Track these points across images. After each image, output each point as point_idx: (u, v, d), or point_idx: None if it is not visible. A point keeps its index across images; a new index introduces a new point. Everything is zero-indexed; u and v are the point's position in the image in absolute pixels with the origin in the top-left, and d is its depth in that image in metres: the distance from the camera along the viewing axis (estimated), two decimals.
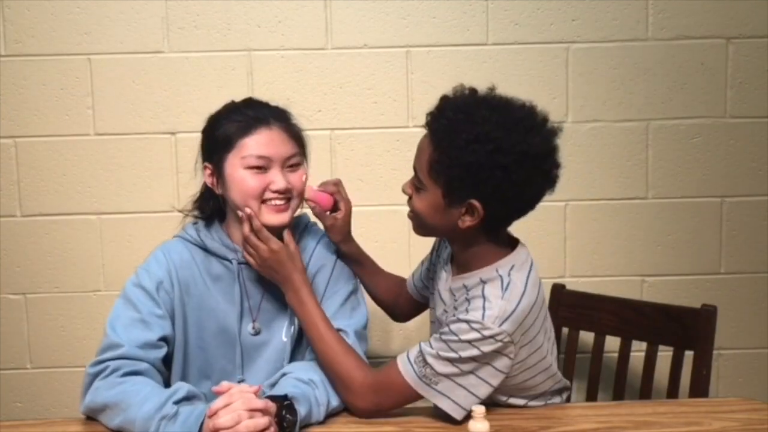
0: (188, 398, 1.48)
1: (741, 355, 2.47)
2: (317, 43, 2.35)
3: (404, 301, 1.95)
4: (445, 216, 1.53)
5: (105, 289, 2.41)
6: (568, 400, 1.77)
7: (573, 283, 2.29)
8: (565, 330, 2.19)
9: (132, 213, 2.39)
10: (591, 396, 2.11)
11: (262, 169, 1.63)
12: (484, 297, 1.48)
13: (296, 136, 1.70)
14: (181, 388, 1.49)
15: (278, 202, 1.64)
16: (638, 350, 2.06)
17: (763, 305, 2.46)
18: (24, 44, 2.33)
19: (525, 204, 1.54)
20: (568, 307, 2.18)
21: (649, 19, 2.36)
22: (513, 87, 2.31)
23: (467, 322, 1.45)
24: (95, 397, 1.52)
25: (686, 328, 1.94)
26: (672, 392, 1.96)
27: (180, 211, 1.81)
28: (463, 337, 1.45)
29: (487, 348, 1.45)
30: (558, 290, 2.20)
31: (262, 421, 1.37)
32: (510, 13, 2.35)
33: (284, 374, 1.60)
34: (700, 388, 1.91)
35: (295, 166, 1.67)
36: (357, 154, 2.38)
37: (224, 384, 1.44)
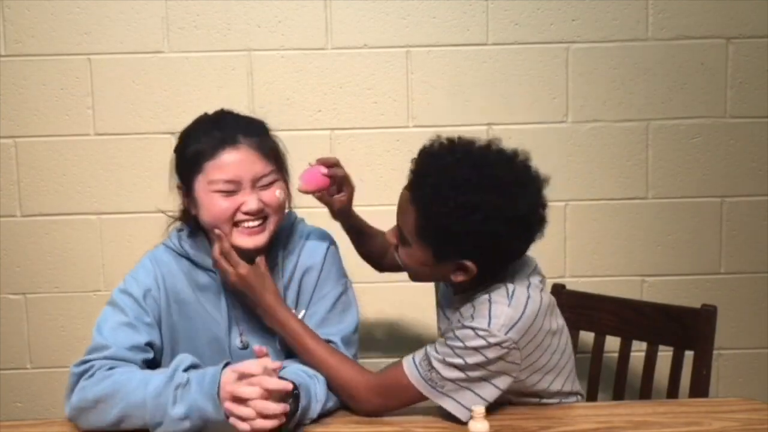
0: (194, 366, 1.47)
1: (741, 355, 2.47)
2: (317, 43, 2.35)
3: (390, 259, 1.89)
4: (435, 270, 1.53)
5: (105, 289, 2.40)
6: None
7: (573, 283, 2.29)
8: None
9: (132, 213, 2.39)
10: (591, 396, 2.11)
11: (232, 192, 1.57)
12: (490, 303, 1.46)
13: (270, 152, 1.61)
14: (185, 358, 1.48)
15: (252, 224, 1.59)
16: (638, 350, 2.06)
17: (763, 305, 2.46)
18: (24, 44, 2.33)
19: (518, 254, 1.54)
20: (568, 307, 2.16)
21: (649, 19, 2.36)
22: (513, 87, 2.36)
23: (473, 329, 1.44)
24: (84, 394, 1.48)
25: (686, 328, 1.94)
26: (672, 392, 1.96)
27: (163, 212, 1.76)
28: (469, 343, 1.44)
29: (492, 354, 1.44)
30: (558, 290, 2.19)
31: (277, 408, 1.35)
32: (510, 13, 2.35)
33: (286, 366, 1.57)
34: (700, 388, 1.90)
35: (269, 184, 1.60)
36: (357, 154, 2.38)
37: (264, 349, 1.43)
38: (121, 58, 2.34)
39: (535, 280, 1.54)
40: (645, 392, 2.02)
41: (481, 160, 1.47)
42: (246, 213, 1.58)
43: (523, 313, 1.45)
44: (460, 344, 1.45)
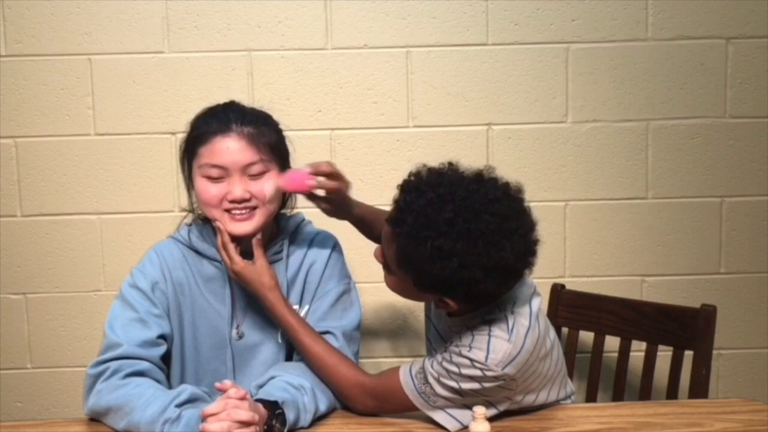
0: (191, 400, 1.48)
1: (741, 355, 2.48)
2: (317, 43, 2.35)
3: None
4: (418, 296, 1.51)
5: (105, 289, 2.41)
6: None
7: (573, 283, 2.29)
8: (565, 330, 2.19)
9: (132, 213, 2.39)
10: (591, 396, 2.11)
11: (220, 178, 1.60)
12: (489, 335, 1.43)
13: (264, 143, 1.62)
14: (184, 390, 1.49)
15: (239, 212, 1.61)
16: (638, 350, 2.06)
17: (763, 305, 2.46)
18: (24, 44, 2.33)
19: (501, 295, 1.48)
20: (568, 307, 2.18)
21: (649, 19, 2.36)
22: (513, 87, 2.36)
23: (470, 360, 1.42)
24: (98, 400, 1.52)
25: (686, 328, 1.95)
26: (672, 392, 1.96)
27: (184, 210, 1.80)
28: (464, 372, 1.43)
29: (488, 384, 1.44)
30: (558, 290, 2.20)
31: (248, 431, 1.36)
32: (510, 13, 2.35)
33: (273, 376, 1.58)
34: (699, 388, 1.91)
35: (258, 174, 1.62)
36: (357, 154, 2.38)
37: (227, 383, 1.43)
38: (121, 58, 2.34)
39: (535, 304, 1.50)
40: (645, 392, 2.02)
41: (464, 201, 1.37)
42: (231, 201, 1.60)
43: (521, 348, 1.42)
44: (455, 369, 1.44)
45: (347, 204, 1.74)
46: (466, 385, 1.44)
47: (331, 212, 1.73)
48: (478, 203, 1.37)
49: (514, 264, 1.38)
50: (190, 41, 2.33)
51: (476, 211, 1.36)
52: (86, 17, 2.32)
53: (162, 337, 1.63)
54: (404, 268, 1.43)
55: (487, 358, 1.41)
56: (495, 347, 1.42)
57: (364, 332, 2.23)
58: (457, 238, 1.34)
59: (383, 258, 1.51)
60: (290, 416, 1.46)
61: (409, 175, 1.47)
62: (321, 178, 1.64)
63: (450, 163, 1.47)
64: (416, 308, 2.40)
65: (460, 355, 1.44)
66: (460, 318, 1.54)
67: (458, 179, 1.43)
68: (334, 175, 1.66)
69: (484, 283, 1.36)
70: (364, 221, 1.81)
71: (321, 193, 1.69)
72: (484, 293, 1.40)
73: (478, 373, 1.42)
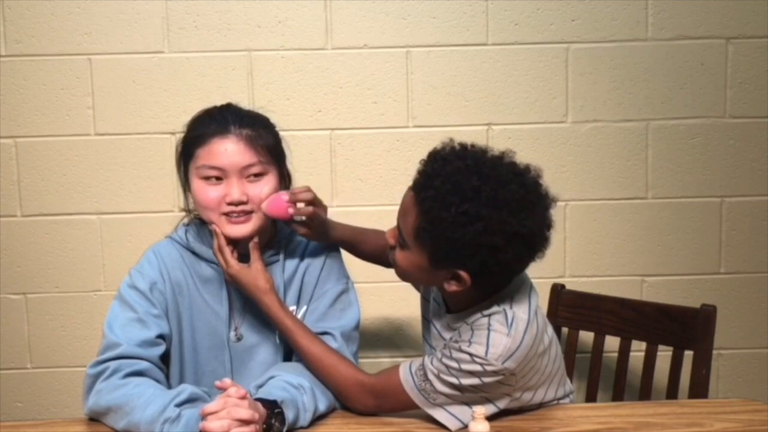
0: (191, 400, 1.48)
1: (741, 355, 2.48)
2: (317, 43, 2.35)
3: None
4: (430, 276, 1.50)
5: (105, 289, 2.41)
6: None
7: (573, 283, 2.29)
8: (564, 330, 2.19)
9: (132, 213, 2.39)
10: (591, 396, 2.11)
11: (217, 179, 1.60)
12: (489, 330, 1.43)
13: (262, 145, 1.62)
14: (184, 390, 1.48)
15: (236, 215, 1.61)
16: (638, 350, 2.06)
17: (763, 305, 2.46)
18: (24, 44, 2.33)
19: (514, 273, 1.50)
20: (568, 307, 2.18)
21: (649, 19, 2.36)
22: (513, 87, 2.37)
23: (470, 355, 1.42)
24: (98, 400, 1.52)
25: (686, 328, 1.95)
26: (672, 392, 1.96)
27: (183, 210, 1.80)
28: (464, 367, 1.43)
29: (487, 379, 1.43)
30: (558, 290, 2.20)
31: (248, 430, 1.36)
32: (510, 13, 2.35)
33: (272, 376, 1.58)
34: (699, 388, 1.91)
35: (257, 176, 1.62)
36: (357, 154, 2.38)
37: (227, 381, 1.43)
38: (121, 58, 2.34)
39: (534, 301, 1.51)
40: (645, 392, 2.02)
41: (491, 171, 1.41)
42: (229, 203, 1.60)
43: (521, 342, 1.43)
44: (455, 365, 1.44)
45: (326, 228, 1.75)
46: (466, 381, 1.44)
47: (310, 237, 1.73)
48: (504, 174, 1.42)
49: (533, 236, 1.42)
50: (190, 41, 2.34)
51: (503, 180, 1.40)
52: (86, 17, 2.32)
53: (161, 337, 1.63)
54: (422, 239, 1.44)
55: (487, 352, 1.41)
56: (494, 341, 1.42)
57: (363, 332, 2.23)
58: (483, 205, 1.37)
59: (397, 235, 1.51)
60: (289, 415, 1.46)
61: (435, 148, 1.50)
62: (300, 205, 1.66)
63: (473, 144, 1.50)
64: (415, 309, 2.39)
65: (460, 350, 1.44)
66: (459, 314, 1.54)
67: (483, 153, 1.47)
68: (312, 201, 1.67)
69: (504, 252, 1.39)
70: (346, 242, 1.83)
71: (299, 218, 1.68)
72: (501, 264, 1.41)
73: (478, 368, 1.42)
